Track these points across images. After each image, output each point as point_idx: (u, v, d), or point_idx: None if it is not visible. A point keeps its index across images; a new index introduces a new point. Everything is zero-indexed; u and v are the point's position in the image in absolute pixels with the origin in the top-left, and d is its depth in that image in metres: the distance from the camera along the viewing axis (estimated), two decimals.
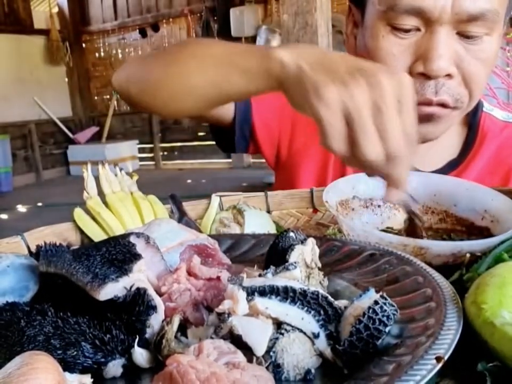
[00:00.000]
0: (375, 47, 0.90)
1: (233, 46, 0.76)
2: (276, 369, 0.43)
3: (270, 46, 0.69)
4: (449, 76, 0.87)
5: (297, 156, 1.11)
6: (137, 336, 0.46)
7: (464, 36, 0.86)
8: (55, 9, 8.58)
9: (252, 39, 6.84)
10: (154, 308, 0.47)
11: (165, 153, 8.63)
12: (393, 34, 0.87)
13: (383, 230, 0.78)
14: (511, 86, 2.87)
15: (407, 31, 0.86)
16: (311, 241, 0.57)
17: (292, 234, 0.58)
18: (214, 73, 0.72)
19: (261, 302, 0.45)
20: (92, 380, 0.44)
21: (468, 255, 0.60)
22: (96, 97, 9.06)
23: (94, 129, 8.83)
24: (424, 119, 0.90)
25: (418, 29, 0.86)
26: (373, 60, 0.91)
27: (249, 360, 0.42)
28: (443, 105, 0.90)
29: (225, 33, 7.01)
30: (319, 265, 0.57)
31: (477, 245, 0.61)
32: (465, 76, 0.89)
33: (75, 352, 0.44)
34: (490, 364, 0.42)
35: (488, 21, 0.84)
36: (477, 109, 1.06)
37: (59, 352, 0.44)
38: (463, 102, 0.91)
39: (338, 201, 0.77)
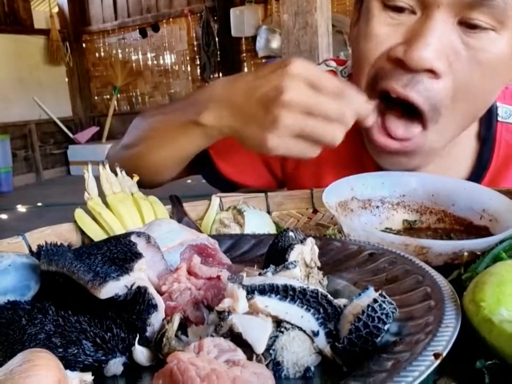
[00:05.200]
0: (364, 27, 0.80)
1: (171, 116, 0.90)
2: (276, 366, 0.43)
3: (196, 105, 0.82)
4: (433, 72, 0.74)
5: (292, 174, 1.07)
6: (138, 334, 0.46)
7: (466, 24, 0.73)
8: (55, 9, 8.56)
9: (252, 39, 6.84)
10: (155, 307, 0.48)
11: None
12: (385, 12, 0.77)
13: (382, 231, 0.78)
14: None
15: (400, 10, 0.76)
16: (310, 241, 0.57)
17: (291, 233, 0.58)
18: (169, 148, 0.90)
19: (260, 300, 0.45)
20: (93, 377, 0.44)
21: (465, 253, 0.60)
22: (96, 97, 9.04)
23: (94, 129, 8.82)
24: (392, 152, 0.83)
25: (413, 12, 0.75)
26: (361, 41, 0.81)
27: (249, 358, 0.42)
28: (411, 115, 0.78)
29: (225, 33, 7.01)
30: (319, 264, 0.57)
31: (479, 243, 0.61)
32: (456, 80, 0.76)
33: (76, 350, 0.45)
34: (489, 361, 0.43)
35: (496, 10, 0.70)
36: (491, 120, 0.93)
37: (60, 350, 0.44)
38: (441, 113, 0.78)
39: (337, 202, 0.77)
